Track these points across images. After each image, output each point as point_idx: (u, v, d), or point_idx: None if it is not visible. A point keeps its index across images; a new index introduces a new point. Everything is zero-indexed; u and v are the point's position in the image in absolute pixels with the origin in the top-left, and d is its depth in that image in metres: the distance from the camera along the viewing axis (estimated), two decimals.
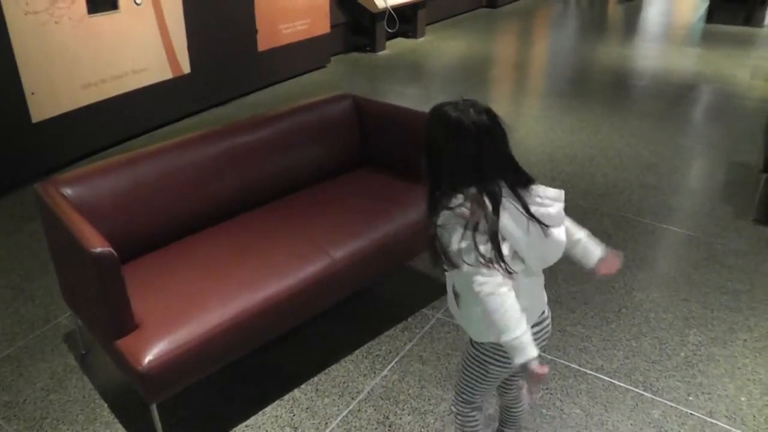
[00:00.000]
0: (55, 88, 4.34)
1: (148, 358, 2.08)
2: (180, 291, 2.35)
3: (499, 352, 1.80)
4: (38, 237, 3.64)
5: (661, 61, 7.48)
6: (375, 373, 2.67)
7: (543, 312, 1.86)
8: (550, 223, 1.65)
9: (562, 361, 2.72)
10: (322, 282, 2.50)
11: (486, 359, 1.86)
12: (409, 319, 2.99)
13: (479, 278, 1.61)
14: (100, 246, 2.05)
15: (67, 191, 2.46)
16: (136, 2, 4.72)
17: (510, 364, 1.70)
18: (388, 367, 2.70)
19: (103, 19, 4.55)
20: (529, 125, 5.41)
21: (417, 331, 2.91)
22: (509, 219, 1.61)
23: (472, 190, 1.61)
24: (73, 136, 4.54)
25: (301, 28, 6.57)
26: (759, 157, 4.16)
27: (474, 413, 2.05)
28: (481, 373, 1.90)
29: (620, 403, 2.51)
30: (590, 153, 4.80)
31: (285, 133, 3.08)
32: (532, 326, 1.75)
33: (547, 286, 3.15)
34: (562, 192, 1.70)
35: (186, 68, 5.31)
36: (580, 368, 2.68)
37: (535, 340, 1.70)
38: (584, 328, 2.92)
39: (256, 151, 2.95)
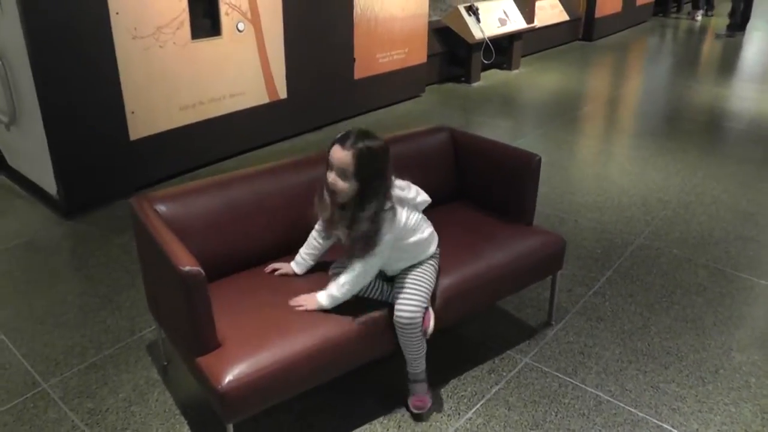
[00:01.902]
0: (153, 108, 4.50)
1: (228, 378, 2.07)
2: (264, 314, 2.35)
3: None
4: (128, 249, 3.76)
5: (762, 104, 7.13)
6: (459, 414, 2.58)
7: None
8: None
9: (655, 420, 2.55)
10: None
11: (434, 261, 2.54)
12: (496, 361, 2.89)
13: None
14: (189, 264, 2.06)
15: (161, 208, 2.50)
16: (238, 29, 4.87)
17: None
18: (473, 410, 2.60)
19: (206, 45, 4.70)
20: (623, 165, 5.24)
21: (504, 374, 2.81)
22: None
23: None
24: (168, 154, 4.69)
25: (398, 58, 6.62)
26: None
27: None
28: (433, 272, 2.52)
29: None
30: (685, 199, 4.59)
31: None
32: None
33: (639, 338, 3.01)
34: None
35: (283, 93, 5.42)
36: (673, 429, 2.51)
37: None
38: (678, 387, 2.74)
39: None
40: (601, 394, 2.69)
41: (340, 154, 2.23)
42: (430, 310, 2.47)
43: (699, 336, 3.07)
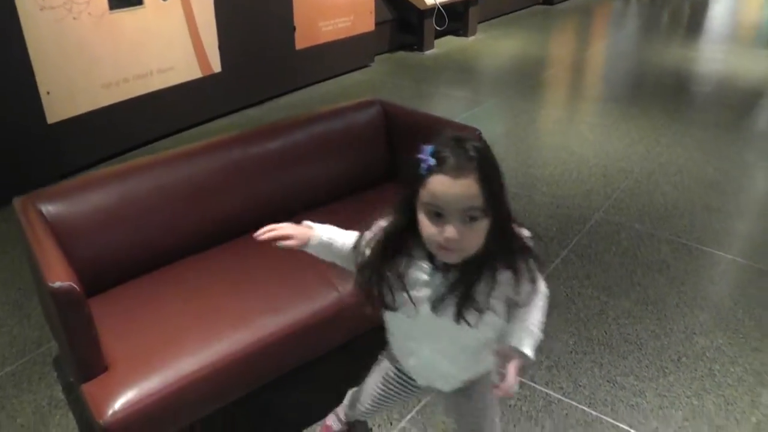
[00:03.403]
0: (72, 87, 4.11)
1: (111, 410, 1.78)
2: (162, 326, 2.05)
3: None
4: None
5: (728, 65, 6.91)
6: (392, 424, 2.32)
7: None
8: None
9: (610, 420, 2.32)
10: (327, 320, 2.16)
11: None
12: None
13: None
14: (59, 279, 1.75)
15: (48, 208, 2.19)
16: None
17: None
18: (407, 418, 2.35)
19: (126, 15, 4.31)
20: (584, 134, 4.97)
21: None
22: None
23: None
24: (92, 138, 4.31)
25: (343, 26, 6.25)
26: None
27: None
28: None
29: None
30: (648, 168, 4.34)
31: (301, 145, 2.75)
32: None
33: (595, 326, 2.77)
34: None
35: (216, 67, 5.05)
36: (631, 430, 2.27)
37: None
38: (637, 380, 2.50)
39: (265, 164, 2.63)
40: (551, 392, 2.45)
41: (458, 188, 1.29)
42: None
43: (660, 320, 2.84)
